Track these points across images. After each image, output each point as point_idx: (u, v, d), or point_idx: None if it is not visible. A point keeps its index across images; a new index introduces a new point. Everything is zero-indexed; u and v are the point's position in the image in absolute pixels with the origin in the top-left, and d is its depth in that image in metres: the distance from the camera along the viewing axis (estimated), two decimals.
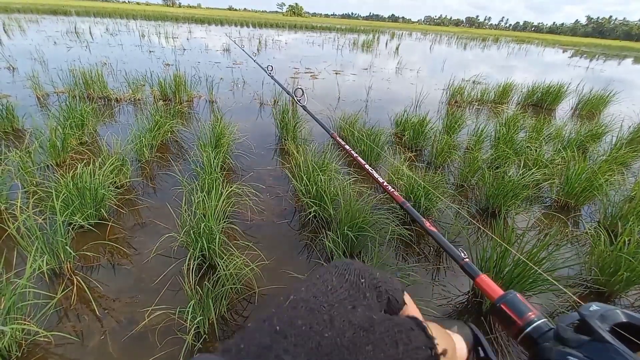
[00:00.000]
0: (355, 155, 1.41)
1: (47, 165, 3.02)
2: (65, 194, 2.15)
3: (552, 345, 0.41)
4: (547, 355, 0.41)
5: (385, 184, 1.24)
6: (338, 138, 1.53)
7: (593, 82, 9.99)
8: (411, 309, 0.45)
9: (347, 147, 1.45)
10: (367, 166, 1.36)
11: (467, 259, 0.73)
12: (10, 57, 7.61)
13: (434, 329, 0.38)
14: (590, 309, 0.41)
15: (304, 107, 2.10)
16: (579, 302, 1.76)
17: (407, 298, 0.45)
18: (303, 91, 2.23)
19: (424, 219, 0.90)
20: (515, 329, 0.48)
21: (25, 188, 2.58)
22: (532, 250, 1.78)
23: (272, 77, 2.18)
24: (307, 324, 0.30)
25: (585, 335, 0.38)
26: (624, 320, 0.40)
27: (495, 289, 0.60)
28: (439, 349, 0.35)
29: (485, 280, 0.62)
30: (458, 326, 0.51)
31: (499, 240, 1.75)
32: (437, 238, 0.80)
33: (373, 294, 0.38)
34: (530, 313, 0.48)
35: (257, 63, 2.29)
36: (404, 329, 0.33)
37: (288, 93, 2.30)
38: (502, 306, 0.50)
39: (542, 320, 0.46)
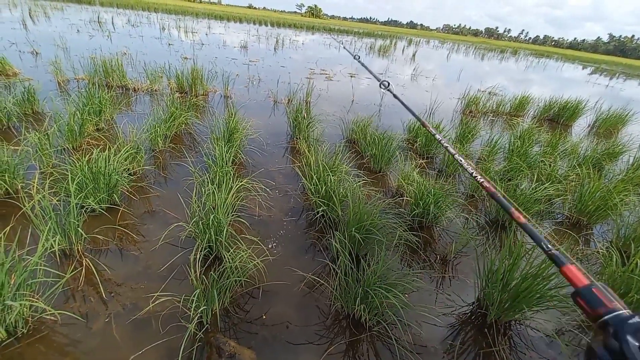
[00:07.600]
0: (446, 145, 1.26)
1: (64, 149, 3.09)
2: (80, 178, 2.20)
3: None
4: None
5: (475, 174, 1.11)
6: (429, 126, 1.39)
7: (612, 101, 9.80)
8: None
9: (438, 135, 1.29)
10: (457, 156, 1.18)
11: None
12: (35, 42, 7.82)
13: None
14: None
15: (395, 96, 1.98)
16: (586, 321, 1.71)
17: None
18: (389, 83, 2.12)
19: (513, 210, 0.81)
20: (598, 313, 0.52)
21: (41, 169, 2.65)
22: (541, 265, 1.75)
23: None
24: None
25: None
26: None
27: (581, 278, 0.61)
28: None
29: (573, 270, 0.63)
30: None
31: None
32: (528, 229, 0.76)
33: None
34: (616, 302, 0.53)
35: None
36: None
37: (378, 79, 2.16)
38: (594, 290, 0.54)
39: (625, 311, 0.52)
